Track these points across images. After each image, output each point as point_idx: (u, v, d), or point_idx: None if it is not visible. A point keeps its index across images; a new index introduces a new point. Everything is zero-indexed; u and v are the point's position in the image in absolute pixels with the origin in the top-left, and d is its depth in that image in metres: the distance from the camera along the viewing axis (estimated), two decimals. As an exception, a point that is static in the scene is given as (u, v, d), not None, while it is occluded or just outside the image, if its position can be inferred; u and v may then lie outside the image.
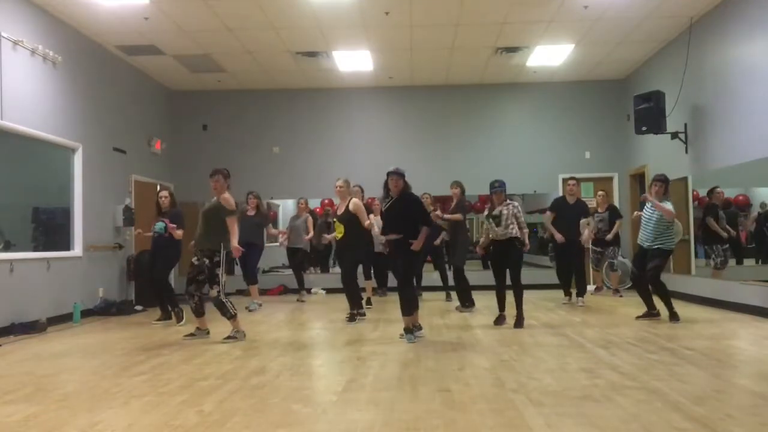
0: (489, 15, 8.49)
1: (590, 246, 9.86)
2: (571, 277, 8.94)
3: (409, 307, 5.90)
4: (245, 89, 11.88)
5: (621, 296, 9.77)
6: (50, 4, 7.86)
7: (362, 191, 9.09)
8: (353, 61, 10.36)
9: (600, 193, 10.21)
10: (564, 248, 8.68)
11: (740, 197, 8.84)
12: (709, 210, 8.65)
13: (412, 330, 5.90)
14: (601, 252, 9.96)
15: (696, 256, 9.13)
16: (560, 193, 11.33)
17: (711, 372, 4.34)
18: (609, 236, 9.65)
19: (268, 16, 8.39)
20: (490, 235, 6.80)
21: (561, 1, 8.05)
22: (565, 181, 8.98)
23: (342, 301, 9.07)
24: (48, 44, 7.92)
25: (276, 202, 12.57)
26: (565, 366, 4.63)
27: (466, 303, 8.20)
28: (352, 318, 7.29)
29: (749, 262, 8.59)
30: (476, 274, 11.33)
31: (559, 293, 9.23)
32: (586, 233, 8.86)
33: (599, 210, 9.99)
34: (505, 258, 6.74)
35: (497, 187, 6.78)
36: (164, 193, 7.90)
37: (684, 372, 4.33)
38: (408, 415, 3.39)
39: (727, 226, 8.40)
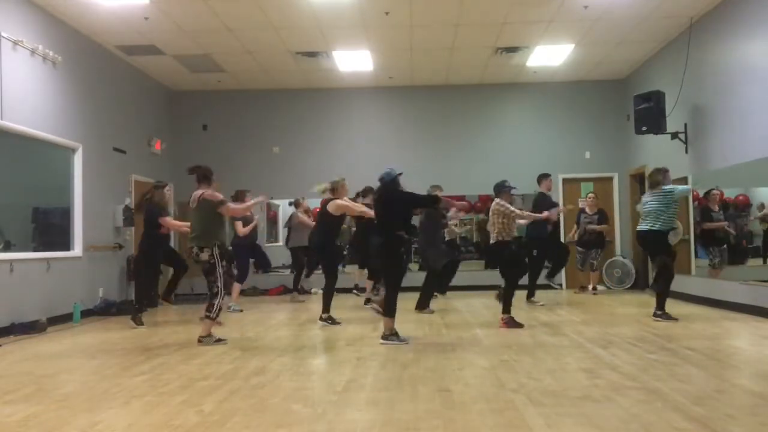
0: (489, 15, 8.49)
1: (576, 247, 10.12)
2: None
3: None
4: (245, 89, 11.88)
5: (596, 294, 10.10)
6: (50, 4, 7.86)
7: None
8: (353, 61, 10.36)
9: (590, 195, 10.32)
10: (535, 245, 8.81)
11: (740, 197, 8.84)
12: (703, 213, 8.82)
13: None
14: (586, 253, 10.14)
15: (696, 255, 9.14)
16: (560, 193, 11.39)
17: (711, 372, 4.34)
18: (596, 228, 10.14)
19: (268, 16, 8.39)
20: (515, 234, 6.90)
21: (561, 1, 8.04)
22: (546, 177, 9.10)
23: (341, 301, 9.08)
24: (48, 44, 7.91)
25: (276, 202, 12.57)
26: (565, 366, 4.63)
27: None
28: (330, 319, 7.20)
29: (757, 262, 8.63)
30: (477, 274, 11.38)
31: (556, 293, 9.26)
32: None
33: (588, 211, 10.16)
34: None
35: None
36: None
37: (684, 372, 4.33)
38: (408, 415, 3.39)
39: (728, 228, 8.46)
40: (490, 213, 6.85)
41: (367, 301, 8.89)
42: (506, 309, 6.69)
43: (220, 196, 6.03)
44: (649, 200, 7.12)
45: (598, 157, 11.72)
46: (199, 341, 5.86)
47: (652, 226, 6.99)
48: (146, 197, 7.66)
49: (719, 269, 8.50)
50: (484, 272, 11.60)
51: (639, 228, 7.20)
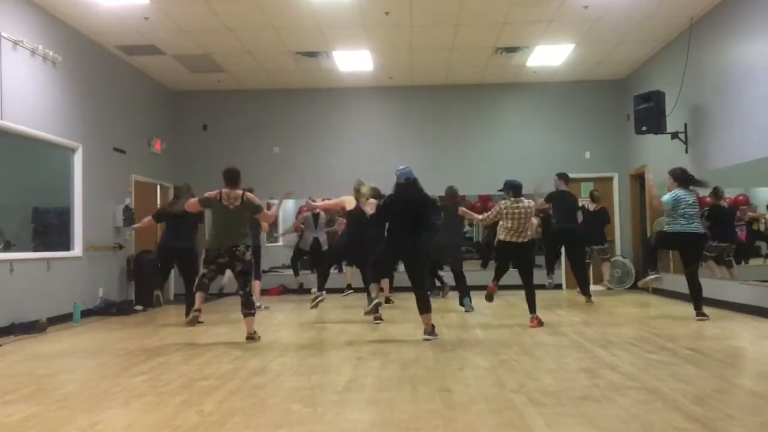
0: (489, 15, 8.49)
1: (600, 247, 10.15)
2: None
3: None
4: (245, 89, 11.87)
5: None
6: (50, 4, 7.86)
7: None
8: (353, 61, 10.36)
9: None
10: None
11: (740, 197, 8.83)
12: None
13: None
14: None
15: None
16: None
17: (711, 372, 4.34)
18: None
19: (268, 16, 8.39)
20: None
21: (561, 1, 8.04)
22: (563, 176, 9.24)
23: (341, 300, 9.09)
24: (48, 44, 7.91)
25: (276, 202, 12.55)
26: (565, 366, 4.63)
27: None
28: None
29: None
30: (477, 274, 11.37)
31: (557, 293, 9.26)
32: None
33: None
34: None
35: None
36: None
37: (684, 372, 4.33)
38: (408, 415, 3.39)
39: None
40: (523, 214, 6.78)
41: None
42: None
43: (258, 201, 6.41)
44: (691, 201, 6.99)
45: (598, 157, 11.72)
46: (250, 338, 6.00)
47: (699, 228, 7.00)
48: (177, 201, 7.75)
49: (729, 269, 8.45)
50: (483, 272, 11.61)
51: (694, 230, 6.92)
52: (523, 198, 6.91)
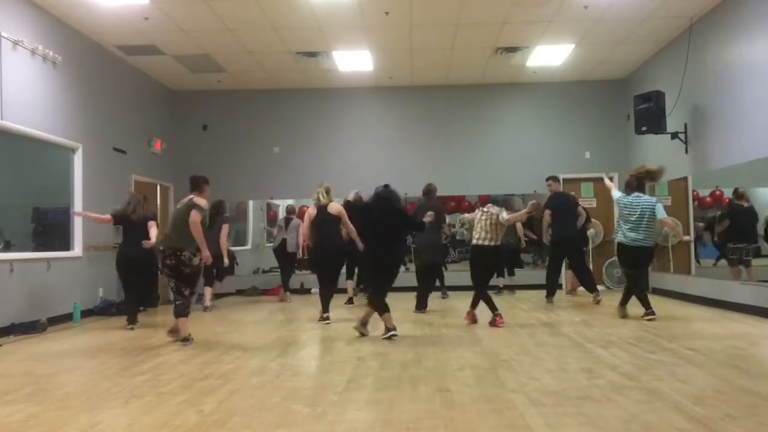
0: (489, 15, 8.49)
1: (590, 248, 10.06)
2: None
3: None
4: (245, 89, 11.87)
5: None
6: (50, 4, 7.86)
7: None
8: (353, 61, 10.36)
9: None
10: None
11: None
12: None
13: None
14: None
15: (697, 256, 9.12)
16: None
17: (711, 372, 4.34)
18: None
19: (268, 16, 8.39)
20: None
21: (561, 1, 8.04)
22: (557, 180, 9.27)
23: (341, 300, 9.08)
24: (48, 44, 7.91)
25: (276, 202, 12.57)
26: (565, 366, 4.63)
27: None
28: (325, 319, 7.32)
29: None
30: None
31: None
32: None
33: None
34: None
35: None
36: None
37: (684, 372, 4.33)
38: (408, 415, 3.40)
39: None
40: (491, 221, 6.82)
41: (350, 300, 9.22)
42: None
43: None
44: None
45: (598, 157, 11.71)
46: (185, 340, 5.96)
47: None
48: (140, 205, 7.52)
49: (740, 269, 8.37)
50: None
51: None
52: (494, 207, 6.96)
